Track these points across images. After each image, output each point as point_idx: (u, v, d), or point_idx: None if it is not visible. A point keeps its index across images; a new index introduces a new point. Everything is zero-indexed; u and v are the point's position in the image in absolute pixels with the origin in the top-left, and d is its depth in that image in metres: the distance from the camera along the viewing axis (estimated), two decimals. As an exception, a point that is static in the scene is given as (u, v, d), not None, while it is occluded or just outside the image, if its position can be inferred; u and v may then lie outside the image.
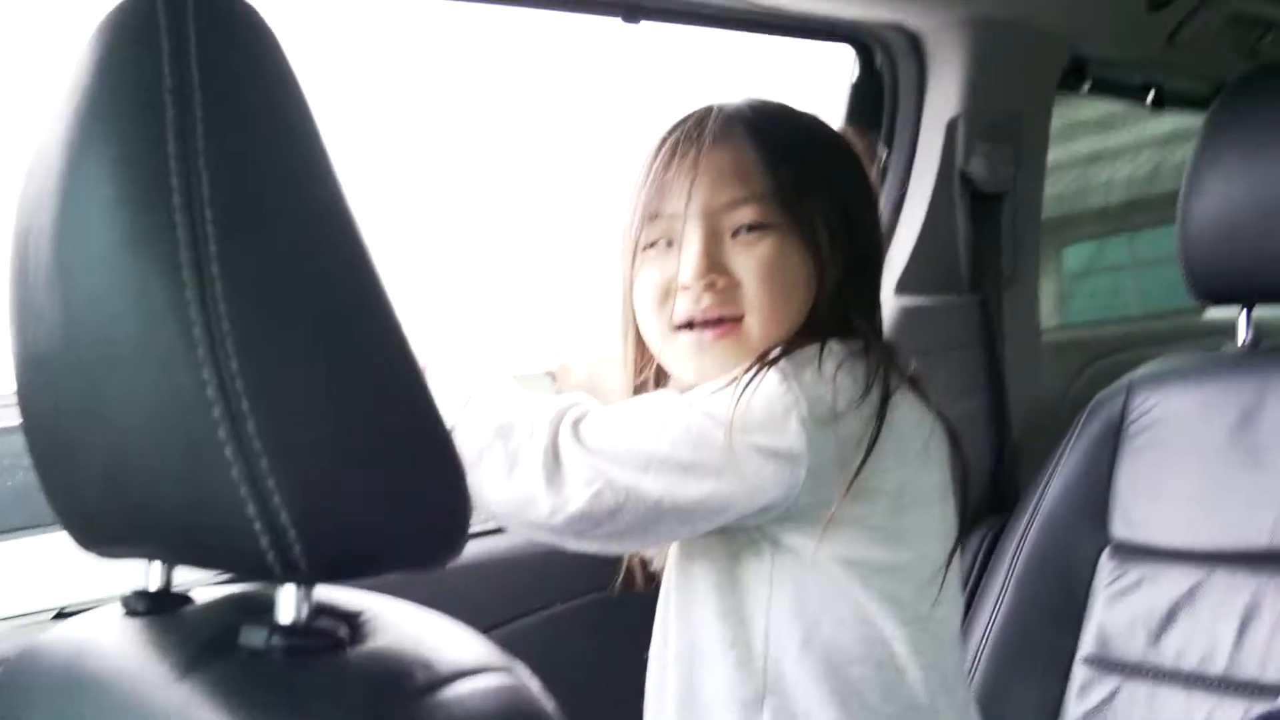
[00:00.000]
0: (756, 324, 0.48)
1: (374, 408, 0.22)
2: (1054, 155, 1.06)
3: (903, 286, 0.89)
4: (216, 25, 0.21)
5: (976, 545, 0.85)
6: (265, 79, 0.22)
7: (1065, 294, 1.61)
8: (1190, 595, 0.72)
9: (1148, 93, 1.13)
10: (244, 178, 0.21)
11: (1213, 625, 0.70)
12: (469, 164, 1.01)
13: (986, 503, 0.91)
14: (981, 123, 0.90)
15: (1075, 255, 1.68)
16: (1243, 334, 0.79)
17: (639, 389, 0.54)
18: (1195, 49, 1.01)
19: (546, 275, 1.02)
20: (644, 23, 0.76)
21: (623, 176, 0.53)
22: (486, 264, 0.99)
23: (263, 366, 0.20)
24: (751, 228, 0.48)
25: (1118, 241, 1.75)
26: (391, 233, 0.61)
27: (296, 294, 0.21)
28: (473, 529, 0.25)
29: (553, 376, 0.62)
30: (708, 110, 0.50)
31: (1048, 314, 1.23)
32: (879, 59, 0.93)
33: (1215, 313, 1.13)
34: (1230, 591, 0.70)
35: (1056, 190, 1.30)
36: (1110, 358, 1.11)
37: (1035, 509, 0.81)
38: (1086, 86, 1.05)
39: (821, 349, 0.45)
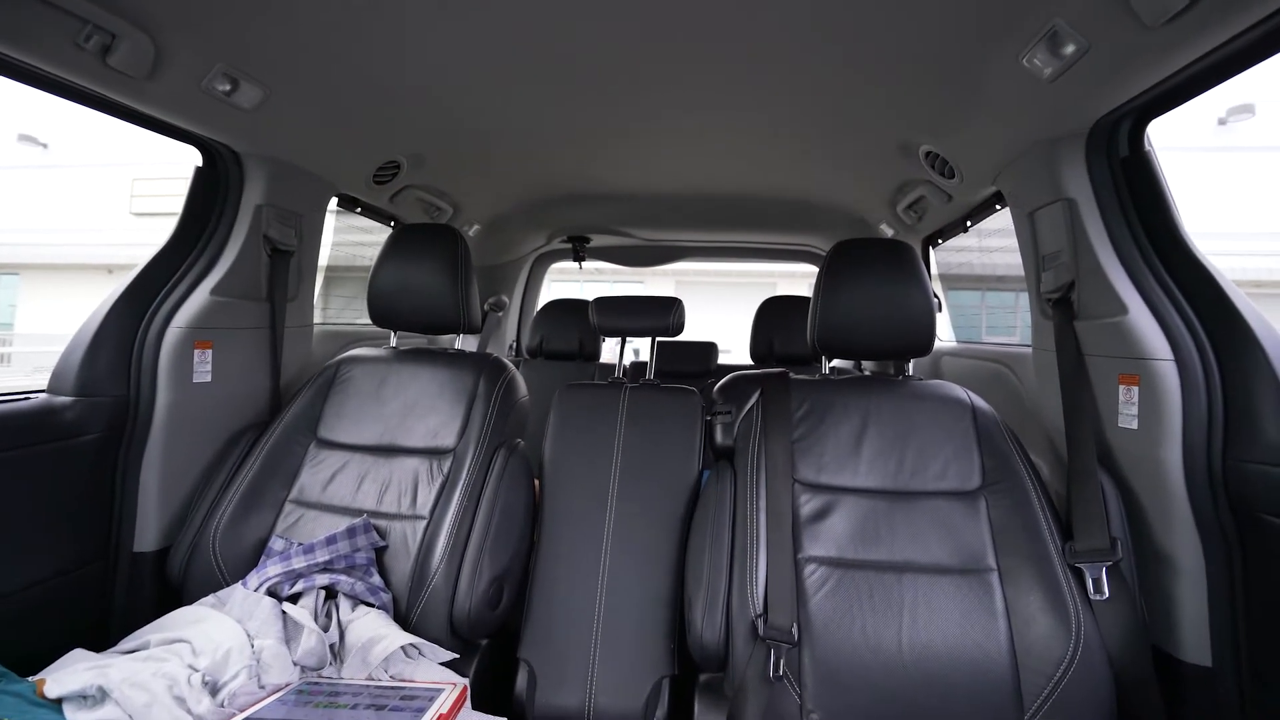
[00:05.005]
0: None
1: None
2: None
3: (219, 290, 1.53)
4: None
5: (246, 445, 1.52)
6: None
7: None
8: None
9: (391, 219, 2.21)
10: None
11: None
12: None
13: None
14: (275, 211, 1.65)
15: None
16: (393, 340, 1.74)
17: None
18: (404, 205, 2.10)
19: None
20: None
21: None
22: None
23: None
24: None
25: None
26: None
27: None
28: None
29: None
30: None
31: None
32: (218, 161, 1.59)
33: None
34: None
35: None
36: (354, 343, 2.04)
37: (282, 419, 1.53)
38: (359, 210, 2.01)
39: None
